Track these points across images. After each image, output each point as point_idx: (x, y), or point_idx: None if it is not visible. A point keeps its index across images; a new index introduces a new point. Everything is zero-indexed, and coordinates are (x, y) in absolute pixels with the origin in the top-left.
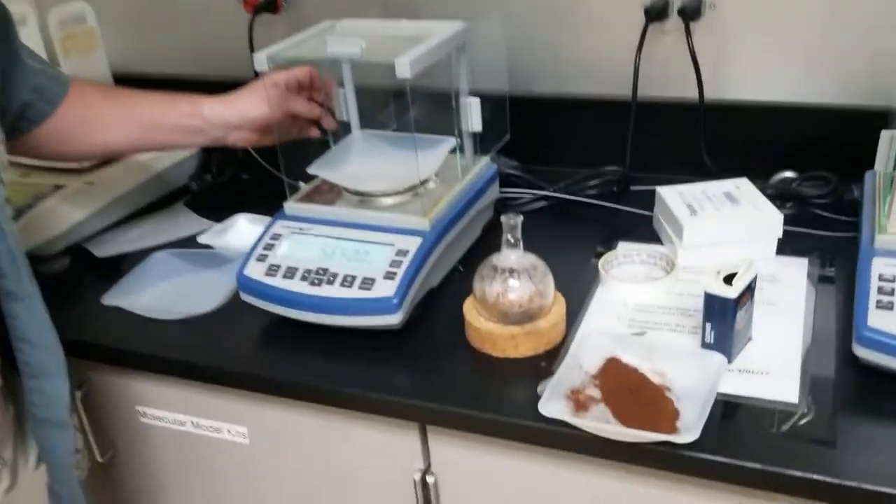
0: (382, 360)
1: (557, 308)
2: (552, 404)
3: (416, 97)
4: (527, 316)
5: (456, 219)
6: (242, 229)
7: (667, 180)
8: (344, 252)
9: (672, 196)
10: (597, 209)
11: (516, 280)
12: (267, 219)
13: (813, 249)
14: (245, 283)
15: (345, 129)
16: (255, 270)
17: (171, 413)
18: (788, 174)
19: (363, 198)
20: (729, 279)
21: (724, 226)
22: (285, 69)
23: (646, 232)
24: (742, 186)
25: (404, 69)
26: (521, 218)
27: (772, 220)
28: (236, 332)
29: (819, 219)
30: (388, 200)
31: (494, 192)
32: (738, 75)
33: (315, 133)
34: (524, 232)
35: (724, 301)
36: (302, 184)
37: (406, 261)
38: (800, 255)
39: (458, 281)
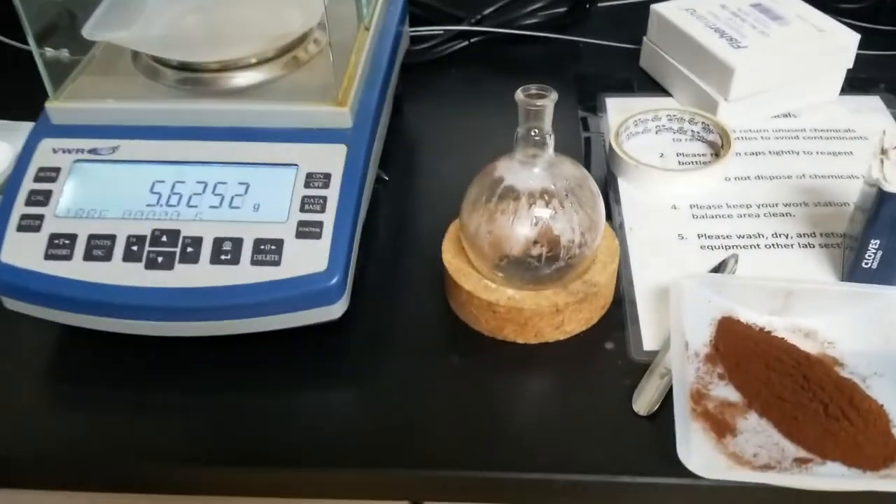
0: (313, 389)
1: (608, 246)
2: (693, 441)
3: None
4: (570, 269)
5: (381, 97)
6: None
7: None
8: (198, 191)
9: (684, 17)
10: (545, 45)
11: (556, 209)
12: (16, 129)
13: (877, 81)
14: (7, 280)
15: None
16: (22, 251)
17: None
18: None
19: (198, 75)
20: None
21: (785, 61)
22: None
23: (631, 76)
24: None
25: None
26: (554, 96)
27: (843, 44)
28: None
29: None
30: (249, 76)
31: (406, 38)
32: None
33: None
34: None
35: None
36: (66, 53)
37: (332, 194)
38: (867, 90)
39: (389, 201)
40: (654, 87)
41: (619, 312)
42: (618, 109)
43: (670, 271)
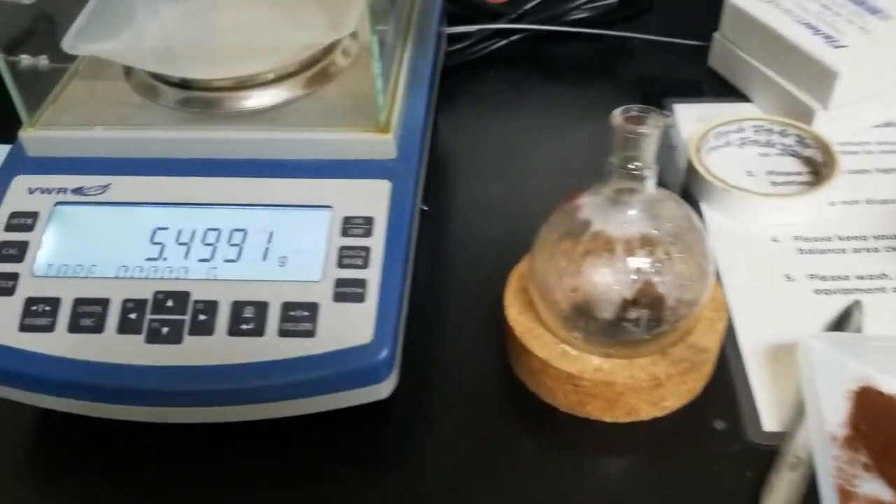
0: (346, 480)
1: (713, 297)
2: None
3: None
4: (673, 331)
5: (426, 118)
6: None
7: None
8: (211, 240)
9: (767, 10)
10: (595, 43)
11: (660, 260)
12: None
13: None
14: None
15: None
16: None
17: None
18: None
19: (205, 94)
20: None
21: (893, 61)
22: None
23: (700, 78)
24: None
25: None
26: (663, 120)
27: None
28: None
29: None
30: (267, 96)
31: (444, 40)
32: None
33: None
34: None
35: None
36: (45, 61)
37: (376, 244)
38: None
39: (429, 237)
40: (727, 91)
41: (725, 379)
42: (690, 118)
43: (783, 324)
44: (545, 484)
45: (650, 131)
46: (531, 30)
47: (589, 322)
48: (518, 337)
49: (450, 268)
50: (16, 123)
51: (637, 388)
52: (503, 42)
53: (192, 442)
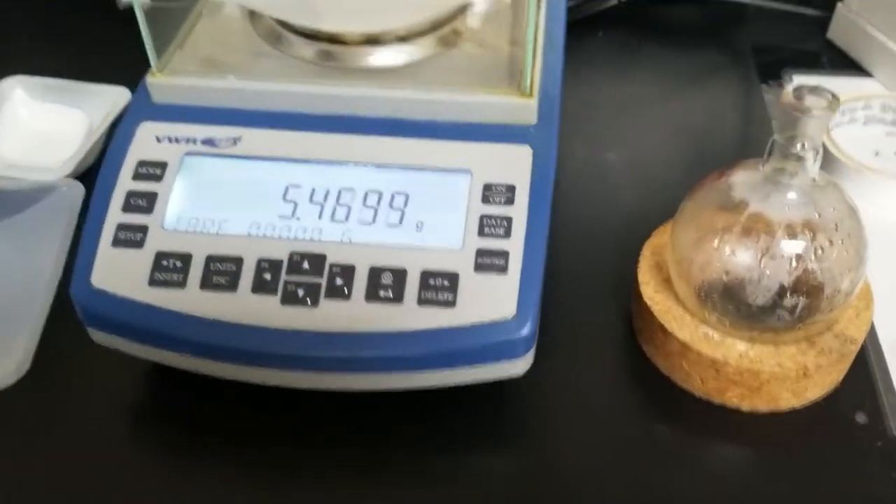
0: (468, 458)
1: (863, 290)
2: None
3: None
4: (823, 319)
5: (562, 82)
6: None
7: None
8: (346, 201)
9: None
10: (705, 8)
11: (822, 247)
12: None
13: None
14: (99, 310)
15: None
16: (120, 273)
17: None
18: None
19: (341, 48)
20: None
21: None
22: None
23: (818, 49)
24: None
25: None
26: (836, 104)
27: None
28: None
29: None
30: (404, 53)
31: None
32: None
33: None
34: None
35: None
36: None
37: (518, 214)
38: None
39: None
40: (846, 64)
41: (864, 371)
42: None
43: None
44: (687, 477)
45: (822, 113)
46: None
47: (740, 307)
48: (656, 317)
49: (567, 240)
50: (115, 65)
51: (783, 377)
52: (614, 2)
53: (313, 409)
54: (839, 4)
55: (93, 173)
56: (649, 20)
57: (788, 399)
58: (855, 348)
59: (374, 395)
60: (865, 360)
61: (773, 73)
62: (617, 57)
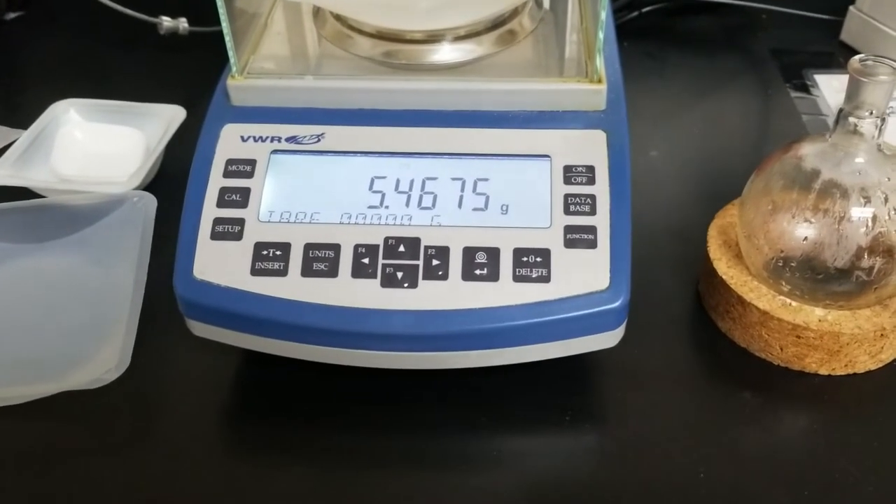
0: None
1: None
2: None
3: None
4: (894, 280)
5: (623, 71)
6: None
7: None
8: (430, 189)
9: None
10: (721, 16)
11: (893, 205)
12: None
13: None
14: (203, 301)
15: None
16: (221, 265)
17: None
18: None
19: (406, 47)
20: None
21: None
22: None
23: (833, 51)
24: None
25: None
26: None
27: None
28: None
29: None
30: (468, 50)
31: None
32: None
33: None
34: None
35: None
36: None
37: (601, 191)
38: None
39: None
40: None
41: None
42: (833, 88)
43: None
44: (773, 437)
45: (888, 78)
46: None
47: (818, 273)
48: (734, 290)
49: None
50: (158, 86)
51: (862, 338)
52: (634, 14)
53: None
54: (851, 7)
55: (153, 187)
56: (670, 30)
57: (865, 362)
58: None
59: (447, 377)
60: None
61: (794, 73)
62: (643, 65)
